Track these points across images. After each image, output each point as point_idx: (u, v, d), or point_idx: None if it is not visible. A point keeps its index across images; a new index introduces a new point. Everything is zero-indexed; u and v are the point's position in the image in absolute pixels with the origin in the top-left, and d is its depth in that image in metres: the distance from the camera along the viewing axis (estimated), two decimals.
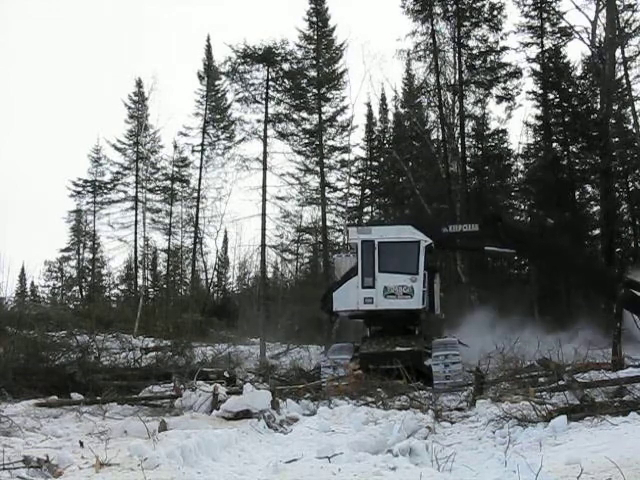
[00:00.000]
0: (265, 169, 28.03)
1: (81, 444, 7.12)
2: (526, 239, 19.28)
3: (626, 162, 28.83)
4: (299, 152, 32.39)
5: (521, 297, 25.44)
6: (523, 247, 18.51)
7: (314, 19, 32.50)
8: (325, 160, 32.04)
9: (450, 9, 29.19)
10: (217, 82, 35.52)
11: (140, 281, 36.88)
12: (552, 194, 27.64)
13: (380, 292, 16.66)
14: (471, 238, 18.09)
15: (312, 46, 31.90)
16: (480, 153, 31.55)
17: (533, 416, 8.20)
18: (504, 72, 29.42)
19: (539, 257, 19.84)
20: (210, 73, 35.72)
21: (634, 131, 27.30)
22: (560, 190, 27.76)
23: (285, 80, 29.56)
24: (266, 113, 28.81)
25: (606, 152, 26.71)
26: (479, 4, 29.19)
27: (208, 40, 36.61)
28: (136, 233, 35.15)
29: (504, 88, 29.57)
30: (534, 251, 19.05)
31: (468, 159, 30.13)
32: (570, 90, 29.73)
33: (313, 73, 31.37)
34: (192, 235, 36.21)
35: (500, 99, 29.65)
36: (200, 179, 35.19)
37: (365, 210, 37.02)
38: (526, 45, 29.41)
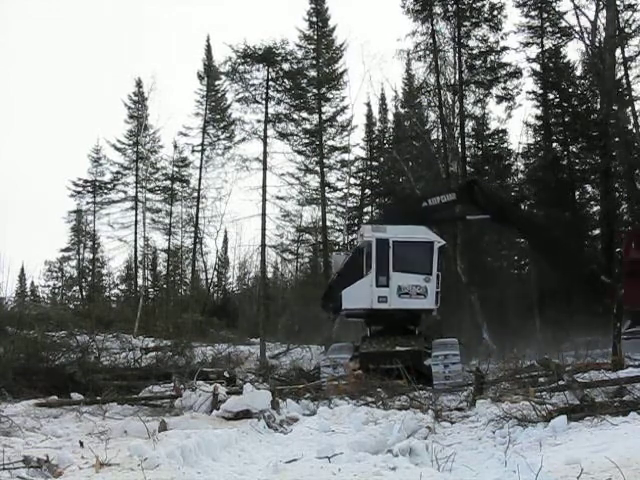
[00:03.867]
0: (265, 169, 28.03)
1: (81, 444, 7.11)
2: (504, 203, 19.55)
3: (626, 162, 28.79)
4: (299, 152, 32.43)
5: (521, 297, 25.43)
6: (501, 211, 18.34)
7: (314, 19, 32.56)
8: (325, 160, 32.10)
9: (450, 9, 29.15)
10: (217, 82, 35.56)
11: (140, 281, 36.98)
12: (552, 194, 27.62)
13: (394, 291, 16.62)
14: (452, 208, 18.18)
15: (312, 46, 31.97)
16: (480, 153, 31.49)
17: (533, 416, 8.19)
18: (504, 72, 29.39)
19: (516, 225, 19.63)
20: (210, 73, 35.75)
21: (634, 131, 27.29)
22: (560, 190, 27.75)
23: (285, 80, 29.54)
24: (266, 113, 28.82)
25: (606, 152, 26.69)
26: (479, 4, 29.17)
27: (208, 40, 36.76)
28: (136, 233, 35.23)
29: (504, 88, 29.55)
30: (511, 218, 18.89)
31: (468, 159, 30.08)
32: (570, 90, 29.72)
33: (313, 73, 31.41)
34: (192, 235, 36.28)
35: (500, 99, 29.64)
36: (200, 179, 35.30)
37: (365, 210, 37.04)
38: (526, 45, 29.46)
